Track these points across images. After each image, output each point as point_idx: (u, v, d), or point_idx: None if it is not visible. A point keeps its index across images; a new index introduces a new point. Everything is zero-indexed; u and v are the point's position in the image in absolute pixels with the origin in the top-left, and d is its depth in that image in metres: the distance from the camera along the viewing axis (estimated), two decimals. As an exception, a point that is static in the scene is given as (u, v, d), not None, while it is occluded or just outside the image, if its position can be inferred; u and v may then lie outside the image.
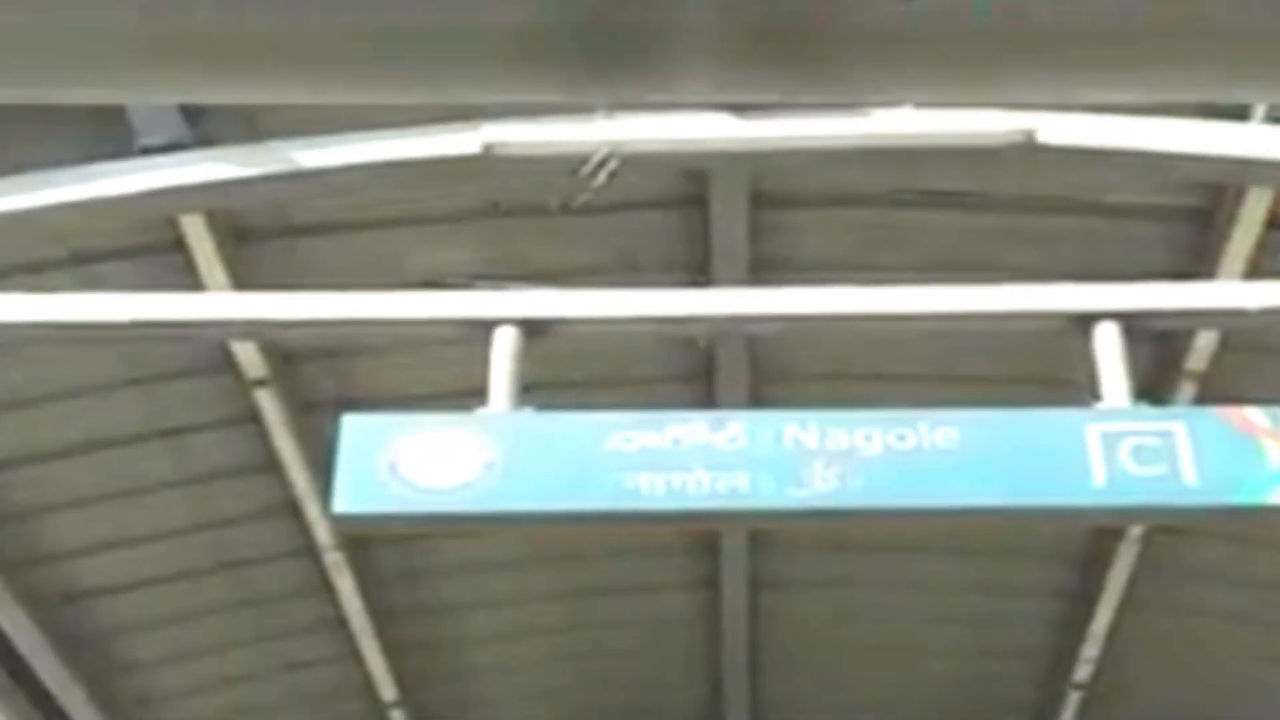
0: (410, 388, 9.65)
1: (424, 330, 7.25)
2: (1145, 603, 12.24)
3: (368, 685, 13.10)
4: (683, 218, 9.16)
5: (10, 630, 11.01)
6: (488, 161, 7.73)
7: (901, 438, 6.16)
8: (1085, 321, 6.56)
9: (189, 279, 8.73)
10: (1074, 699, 13.56)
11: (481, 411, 6.41)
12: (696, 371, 10.18)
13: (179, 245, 8.69)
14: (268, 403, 9.90)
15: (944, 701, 14.13)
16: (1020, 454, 6.13)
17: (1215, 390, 9.38)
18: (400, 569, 12.09)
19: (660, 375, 10.10)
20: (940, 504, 6.13)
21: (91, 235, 8.55)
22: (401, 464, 6.17)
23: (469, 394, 6.55)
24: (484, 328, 6.63)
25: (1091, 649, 12.84)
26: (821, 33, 3.32)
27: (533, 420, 6.40)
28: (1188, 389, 9.62)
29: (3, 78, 3.41)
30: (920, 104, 6.27)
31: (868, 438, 6.17)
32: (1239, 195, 8.53)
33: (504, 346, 6.55)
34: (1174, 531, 11.30)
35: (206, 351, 9.64)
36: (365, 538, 11.30)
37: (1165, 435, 6.14)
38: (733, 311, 7.09)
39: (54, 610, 11.23)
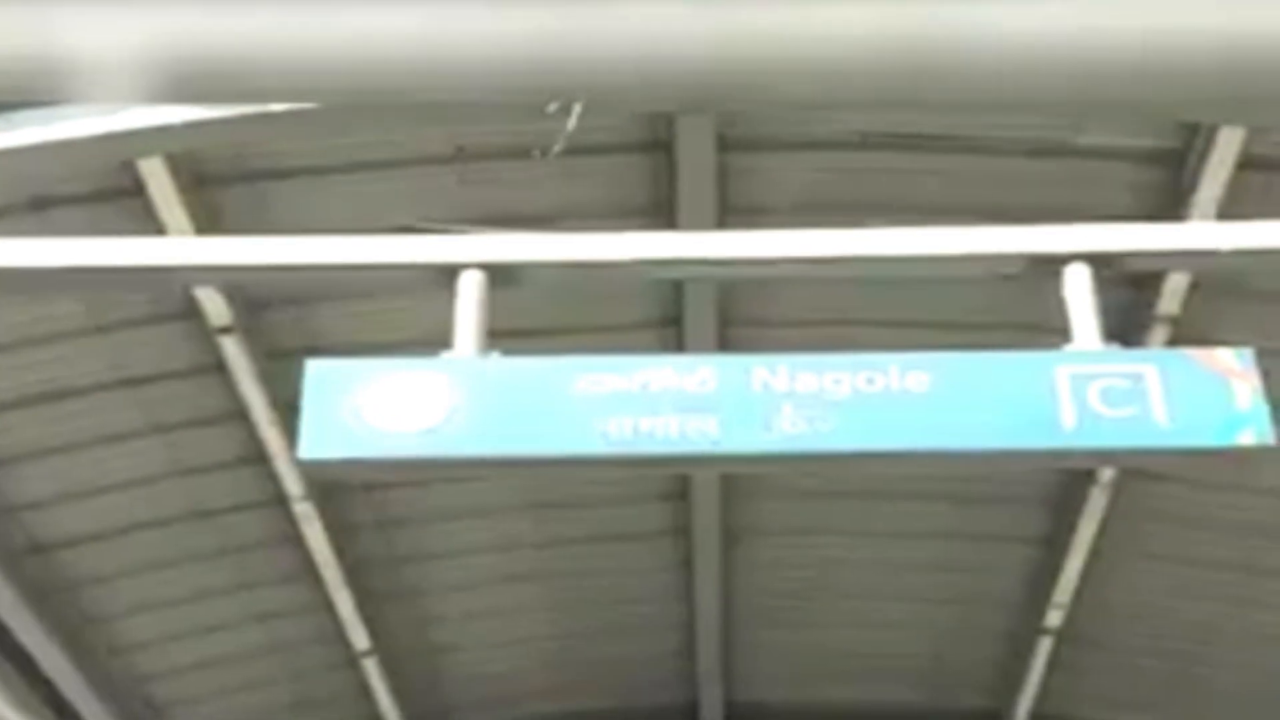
0: (377, 334, 9.59)
1: (388, 275, 7.13)
2: (1117, 548, 12.27)
3: (340, 634, 13.09)
4: (649, 161, 9.08)
5: (-22, 582, 10.95)
6: (453, 104, 7.61)
7: (871, 380, 6.11)
8: (1055, 263, 6.49)
9: (150, 224, 8.64)
10: (1045, 644, 13.61)
11: (447, 355, 6.33)
12: (665, 317, 10.13)
13: (139, 190, 8.59)
14: (233, 350, 9.83)
15: (916, 647, 14.18)
16: (989, 397, 6.08)
17: (1187, 334, 9.37)
18: (371, 518, 12.06)
19: (628, 321, 10.05)
20: (909, 447, 6.07)
21: (50, 179, 8.43)
22: (367, 409, 6.09)
23: (436, 340, 6.47)
24: (449, 272, 6.54)
25: (1063, 594, 12.87)
26: None
27: (499, 364, 6.32)
28: (1160, 333, 9.61)
29: None
30: None
31: (836, 381, 6.11)
32: (1210, 136, 8.50)
33: (469, 291, 6.46)
34: (1146, 476, 11.33)
35: (171, 299, 9.56)
36: (334, 487, 11.28)
37: (1135, 377, 6.09)
38: (701, 255, 6.99)
39: (21, 561, 11.15)
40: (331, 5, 3.54)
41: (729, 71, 3.91)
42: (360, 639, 13.16)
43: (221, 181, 8.83)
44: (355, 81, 3.74)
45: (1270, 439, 5.91)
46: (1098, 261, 6.47)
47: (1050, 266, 6.49)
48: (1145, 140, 8.86)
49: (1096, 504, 11.72)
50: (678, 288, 9.83)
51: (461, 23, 3.23)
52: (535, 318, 8.91)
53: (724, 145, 8.85)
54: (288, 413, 9.36)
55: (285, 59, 3.24)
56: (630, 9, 3.77)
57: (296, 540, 11.81)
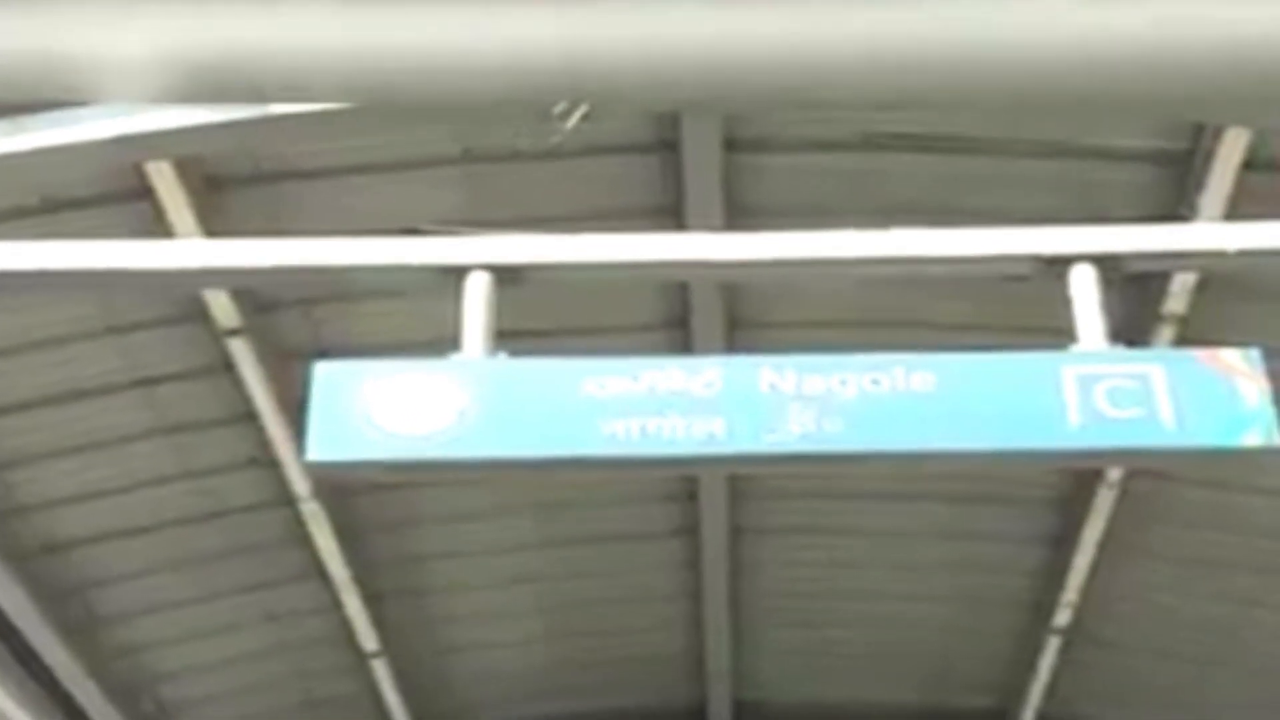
0: (385, 336, 9.61)
1: (396, 277, 7.17)
2: (1125, 547, 12.27)
3: (348, 635, 13.11)
4: (656, 162, 9.10)
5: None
6: (461, 106, 7.63)
7: (877, 382, 6.12)
8: (1061, 264, 6.50)
9: (159, 227, 8.66)
10: (1054, 643, 13.61)
11: (455, 357, 6.35)
12: (672, 318, 10.14)
13: (149, 193, 8.62)
14: (241, 352, 9.85)
15: (924, 647, 14.18)
16: (995, 397, 6.09)
17: (1193, 334, 9.37)
18: (379, 519, 12.07)
19: (636, 322, 10.06)
20: (916, 448, 6.09)
21: (60, 183, 8.46)
22: (375, 411, 6.12)
23: (444, 342, 6.49)
24: (456, 274, 6.56)
25: (1071, 594, 12.87)
26: None
27: (507, 366, 6.34)
28: (1166, 333, 9.60)
29: None
30: None
31: (843, 382, 6.13)
32: (1217, 137, 8.50)
33: (477, 292, 6.48)
34: (1153, 476, 11.32)
35: (179, 300, 9.59)
36: (343, 488, 11.29)
37: (1141, 378, 6.10)
38: (708, 257, 7.01)
39: (32, 561, 11.19)
40: (337, 7, 3.54)
41: (736, 72, 3.91)
42: (369, 640, 13.18)
43: (229, 184, 8.86)
44: (364, 83, 3.74)
45: (1276, 440, 5.93)
46: (1104, 262, 6.48)
47: (1056, 267, 6.50)
48: (1151, 141, 8.87)
49: (1104, 504, 11.72)
50: (685, 289, 9.84)
51: (473, 25, 3.24)
52: (542, 319, 8.93)
53: (731, 146, 8.86)
54: (296, 414, 9.38)
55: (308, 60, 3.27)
56: (637, 9, 3.78)
57: (305, 541, 11.83)
